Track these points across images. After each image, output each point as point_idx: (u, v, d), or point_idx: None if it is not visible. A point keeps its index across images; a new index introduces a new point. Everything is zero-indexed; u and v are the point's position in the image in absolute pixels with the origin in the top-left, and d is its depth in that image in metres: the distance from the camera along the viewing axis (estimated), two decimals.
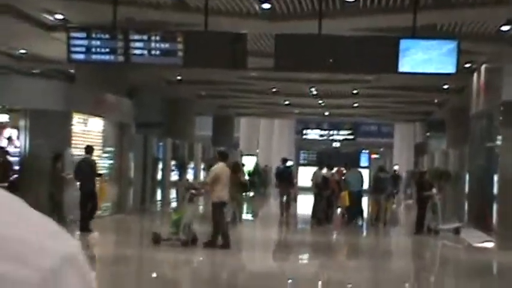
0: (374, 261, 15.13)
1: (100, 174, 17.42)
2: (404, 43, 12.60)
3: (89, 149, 16.70)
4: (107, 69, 18.27)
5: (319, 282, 12.11)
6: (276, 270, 13.50)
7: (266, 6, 14.74)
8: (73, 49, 13.39)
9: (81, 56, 13.44)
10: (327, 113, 40.06)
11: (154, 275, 12.36)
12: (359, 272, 13.64)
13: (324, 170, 22.89)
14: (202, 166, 33.81)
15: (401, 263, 15.70)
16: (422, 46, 12.65)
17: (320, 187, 21.99)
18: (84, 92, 18.58)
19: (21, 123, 17.29)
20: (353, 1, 14.21)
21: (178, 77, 25.32)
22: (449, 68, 12.66)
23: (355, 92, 28.45)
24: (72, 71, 19.36)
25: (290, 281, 12.26)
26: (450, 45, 12.63)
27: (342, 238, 20.15)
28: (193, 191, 15.56)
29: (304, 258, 16.02)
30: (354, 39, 13.14)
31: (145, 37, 13.28)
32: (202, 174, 33.74)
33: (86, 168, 16.14)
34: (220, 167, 14.40)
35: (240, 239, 17.57)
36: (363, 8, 14.52)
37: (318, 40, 12.68)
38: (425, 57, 12.62)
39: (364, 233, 21.57)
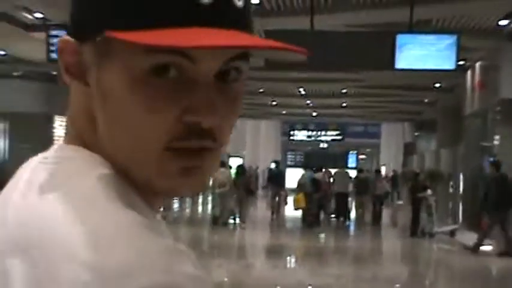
0: (369, 266, 14.59)
1: None
2: (401, 38, 12.02)
3: None
4: None
5: None
6: (268, 274, 12.91)
7: (255, 1, 14.14)
8: (53, 48, 12.70)
9: None
10: (314, 114, 39.50)
11: None
12: (353, 277, 13.12)
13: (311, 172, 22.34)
14: None
15: (398, 266, 15.17)
16: (420, 41, 12.07)
17: (311, 189, 21.44)
18: (66, 94, 17.86)
19: (1, 126, 16.66)
20: None
21: None
22: (449, 64, 12.08)
23: (344, 91, 27.89)
24: (54, 72, 18.65)
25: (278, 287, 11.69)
26: (449, 40, 12.05)
27: (334, 242, 19.57)
28: None
29: (294, 262, 15.43)
30: (348, 35, 12.57)
31: None
32: None
33: None
34: None
35: (234, 240, 17.00)
36: (357, 3, 13.94)
37: (311, 36, 12.07)
38: (423, 53, 12.04)
39: (358, 236, 21.01)
